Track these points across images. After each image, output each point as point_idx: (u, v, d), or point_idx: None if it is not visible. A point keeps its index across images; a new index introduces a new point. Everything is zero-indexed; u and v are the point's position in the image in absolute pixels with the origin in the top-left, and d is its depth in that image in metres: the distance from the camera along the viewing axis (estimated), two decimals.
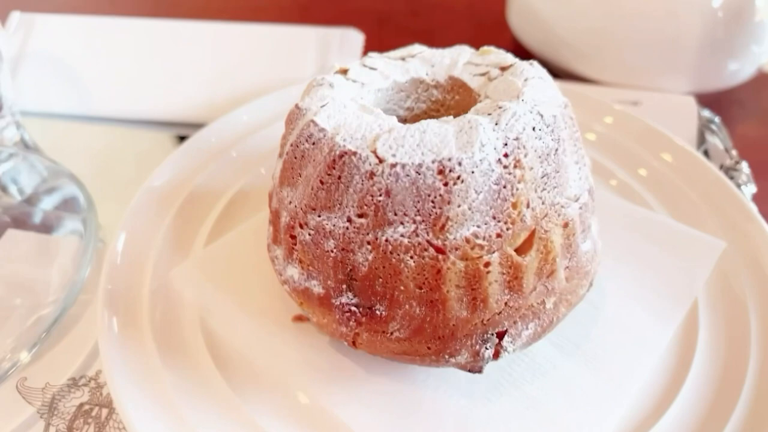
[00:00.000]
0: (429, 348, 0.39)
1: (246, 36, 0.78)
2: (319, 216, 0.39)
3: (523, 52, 0.81)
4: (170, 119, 0.73)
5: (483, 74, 0.45)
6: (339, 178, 0.38)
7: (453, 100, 0.47)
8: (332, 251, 0.39)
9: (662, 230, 0.53)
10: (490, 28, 0.88)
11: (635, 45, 0.72)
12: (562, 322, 0.45)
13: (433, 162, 0.36)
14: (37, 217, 0.60)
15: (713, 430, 0.41)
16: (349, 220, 0.38)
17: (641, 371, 0.45)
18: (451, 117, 0.39)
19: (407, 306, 0.38)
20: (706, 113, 0.69)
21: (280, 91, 0.63)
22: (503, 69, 0.44)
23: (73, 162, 0.66)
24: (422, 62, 0.48)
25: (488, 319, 0.39)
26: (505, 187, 0.37)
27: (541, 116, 0.38)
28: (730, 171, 0.61)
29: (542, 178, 0.38)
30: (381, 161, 0.36)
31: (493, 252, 0.37)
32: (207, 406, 0.42)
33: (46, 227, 0.59)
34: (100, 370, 0.48)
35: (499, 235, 0.37)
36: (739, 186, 0.59)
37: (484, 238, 0.37)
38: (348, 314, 0.40)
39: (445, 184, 0.36)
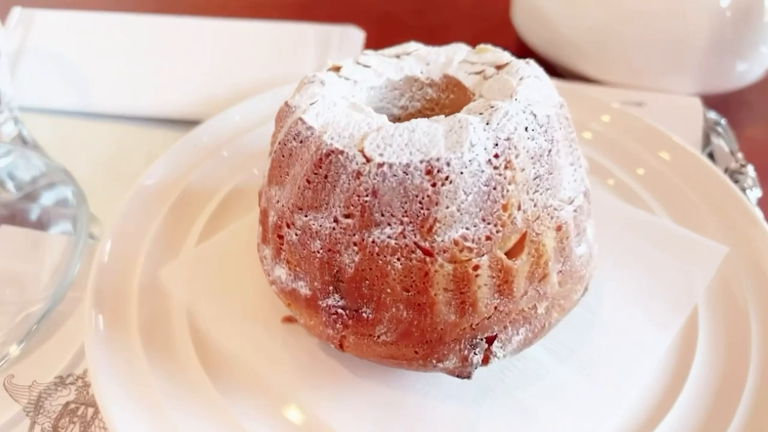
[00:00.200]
0: (416, 352, 0.39)
1: (246, 33, 0.78)
2: (306, 216, 0.38)
3: (527, 52, 0.79)
4: (169, 116, 0.72)
5: (478, 73, 0.44)
6: (326, 177, 0.37)
7: (448, 98, 0.46)
8: (318, 252, 0.38)
9: (662, 234, 0.52)
10: (494, 28, 0.87)
11: (641, 45, 0.70)
12: (556, 327, 0.44)
13: (421, 162, 0.35)
14: (32, 213, 0.60)
15: None
16: (336, 220, 0.37)
17: (637, 378, 0.44)
18: (443, 116, 0.38)
19: (394, 309, 0.38)
20: (713, 115, 0.67)
21: (274, 90, 0.62)
22: (499, 68, 0.43)
23: (70, 158, 0.66)
24: (417, 60, 0.47)
25: (477, 324, 0.38)
26: (495, 188, 0.36)
27: (535, 116, 0.37)
28: (735, 174, 0.59)
29: (534, 179, 0.37)
30: (368, 160, 0.35)
31: (483, 255, 0.36)
32: (192, 408, 0.41)
33: (40, 224, 0.59)
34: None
35: (488, 238, 0.36)
36: (744, 190, 0.57)
37: (473, 241, 0.36)
38: (334, 316, 0.39)
39: (433, 185, 0.35)
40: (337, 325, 0.39)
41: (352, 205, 0.36)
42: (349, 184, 0.36)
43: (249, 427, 0.41)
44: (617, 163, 0.59)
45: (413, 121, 0.37)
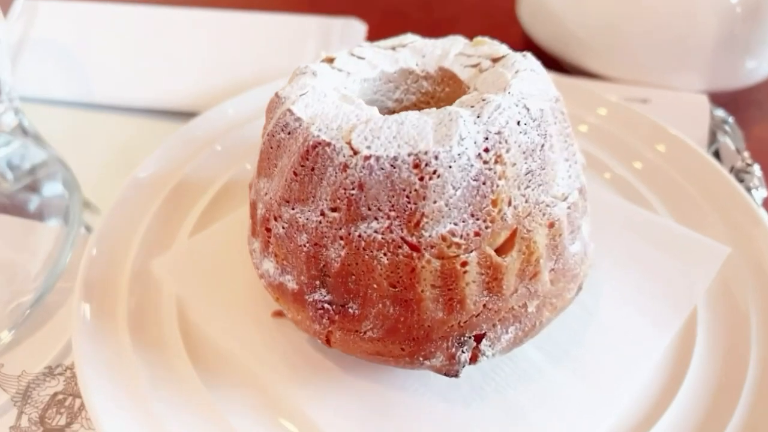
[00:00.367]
0: (403, 349, 0.38)
1: (248, 24, 0.77)
2: (293, 209, 0.38)
3: (533, 47, 0.78)
4: (169, 107, 0.72)
5: (474, 66, 0.43)
6: (312, 169, 0.36)
7: (443, 92, 0.45)
8: (305, 246, 0.37)
9: (663, 233, 0.51)
10: (500, 22, 0.86)
11: (648, 41, 0.69)
12: (551, 326, 0.43)
13: (409, 155, 0.34)
14: (27, 203, 0.59)
15: None
16: (322, 213, 0.36)
17: (633, 381, 0.42)
18: (435, 109, 0.37)
19: (380, 305, 0.37)
20: (720, 113, 0.66)
21: (270, 84, 0.62)
22: (495, 60, 0.42)
23: (71, 148, 0.66)
24: (413, 52, 0.46)
25: (465, 321, 0.37)
26: (484, 183, 0.35)
27: (528, 110, 0.36)
28: (741, 173, 0.58)
29: (526, 174, 0.36)
30: (355, 153, 0.35)
31: (471, 251, 0.35)
32: (176, 400, 0.41)
33: (38, 214, 0.59)
34: None
35: (477, 234, 0.35)
36: (749, 190, 0.56)
37: (461, 237, 0.35)
38: (321, 311, 0.39)
39: (421, 179, 0.34)
40: (324, 320, 0.39)
41: (339, 199, 0.35)
42: (335, 176, 0.35)
43: (234, 422, 0.40)
44: (615, 157, 0.58)
45: (403, 113, 0.36)
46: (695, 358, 0.43)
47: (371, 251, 0.36)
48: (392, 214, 0.35)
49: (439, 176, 0.34)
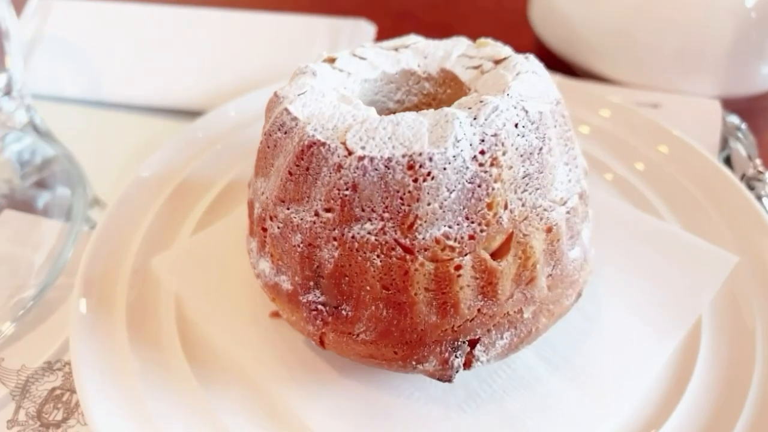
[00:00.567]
0: (396, 353, 0.37)
1: (257, 24, 0.77)
2: (288, 209, 0.37)
3: (544, 50, 0.77)
4: (179, 106, 0.72)
5: (476, 67, 0.43)
6: (307, 169, 0.36)
7: (445, 93, 0.45)
8: (299, 246, 0.37)
9: (669, 240, 0.50)
10: (511, 25, 0.85)
11: (660, 45, 0.68)
12: (551, 333, 0.42)
13: (403, 156, 0.34)
14: (36, 199, 0.60)
15: None
16: (317, 214, 0.36)
17: (632, 391, 0.42)
18: (432, 110, 0.37)
19: (373, 307, 0.36)
20: (733, 119, 0.64)
21: (275, 84, 0.61)
22: (497, 62, 0.42)
23: (82, 145, 0.67)
24: (415, 53, 0.46)
25: (459, 326, 0.36)
26: (480, 186, 0.34)
27: (526, 112, 0.36)
28: (752, 181, 0.56)
29: (524, 178, 0.36)
30: (350, 153, 0.34)
31: (465, 255, 0.35)
32: (170, 396, 0.41)
33: (43, 210, 0.59)
34: None
35: (472, 237, 0.35)
36: (760, 198, 0.55)
37: (455, 240, 0.35)
38: (315, 312, 0.38)
39: (415, 180, 0.34)
40: (317, 322, 0.39)
41: (333, 199, 0.35)
42: (330, 177, 0.35)
43: (226, 420, 0.40)
44: (617, 158, 0.57)
45: (399, 114, 0.36)
46: (697, 370, 0.42)
47: (364, 253, 0.35)
48: (386, 215, 0.34)
49: (433, 178, 0.33)
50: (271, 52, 0.74)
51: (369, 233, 0.35)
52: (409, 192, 0.34)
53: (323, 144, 0.35)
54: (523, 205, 0.36)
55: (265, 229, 0.40)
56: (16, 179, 0.65)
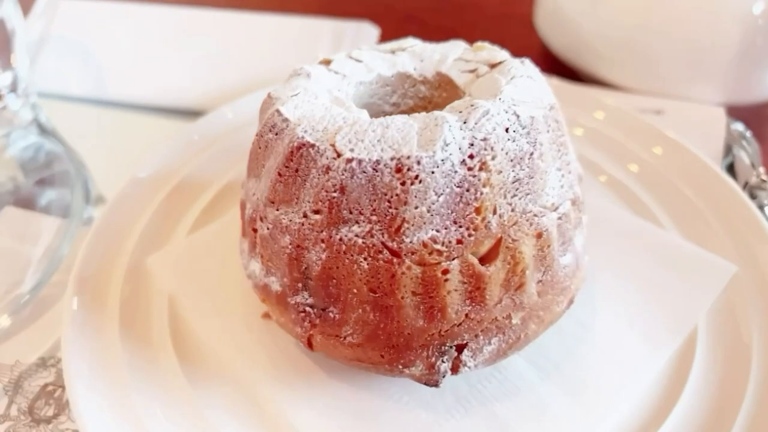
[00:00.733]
0: (382, 356, 0.37)
1: (262, 26, 0.78)
2: (278, 210, 0.37)
3: (550, 56, 0.77)
4: (182, 106, 0.73)
5: (471, 71, 0.42)
6: (296, 170, 0.36)
7: (441, 97, 0.45)
8: (288, 247, 0.37)
9: (667, 248, 0.49)
10: (517, 31, 0.84)
11: (666, 51, 0.67)
12: (544, 340, 0.42)
13: (391, 159, 0.34)
14: (39, 196, 0.61)
15: None
16: (305, 215, 0.36)
17: (623, 401, 0.41)
18: (423, 113, 0.36)
19: (360, 310, 0.36)
20: (738, 126, 0.64)
21: (273, 86, 0.62)
22: (492, 66, 0.42)
23: (86, 144, 0.67)
24: (411, 56, 0.45)
25: (446, 330, 0.36)
26: (468, 190, 0.34)
27: (518, 117, 0.36)
28: (754, 189, 0.56)
29: (513, 183, 0.35)
30: (339, 155, 0.34)
31: (453, 259, 0.35)
32: (159, 394, 0.41)
33: (46, 207, 0.60)
34: None
35: (459, 242, 0.35)
36: (762, 207, 0.54)
37: (443, 244, 0.34)
38: (303, 314, 0.38)
39: (403, 184, 0.33)
40: (305, 324, 0.38)
41: (321, 201, 0.35)
42: (318, 178, 0.35)
43: (213, 419, 0.40)
44: (613, 162, 0.57)
45: (390, 116, 0.36)
46: (690, 381, 0.42)
47: (352, 255, 0.35)
48: (373, 218, 0.34)
49: (421, 181, 0.33)
50: (275, 54, 0.75)
51: (356, 236, 0.35)
52: (397, 195, 0.34)
53: (312, 145, 0.35)
54: (512, 210, 0.35)
55: (255, 230, 0.40)
56: (21, 176, 0.66)
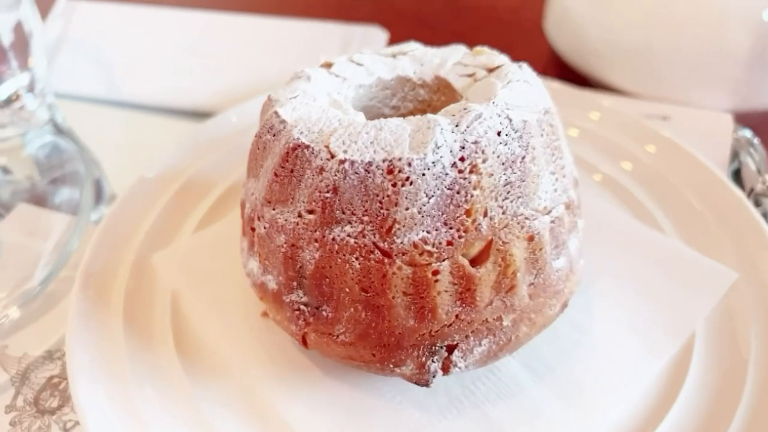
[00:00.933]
0: (374, 355, 0.38)
1: (272, 29, 0.79)
2: (274, 209, 0.38)
3: (559, 61, 0.77)
4: (193, 108, 0.74)
5: (470, 75, 0.43)
6: (292, 171, 0.37)
7: (439, 100, 0.45)
8: (283, 246, 0.38)
9: (666, 252, 0.49)
10: (526, 36, 0.85)
11: (675, 57, 0.67)
12: (539, 343, 0.42)
13: (383, 161, 0.34)
14: (53, 194, 0.62)
15: None
16: (300, 215, 0.37)
17: (617, 406, 0.41)
18: (418, 116, 0.37)
19: (352, 309, 0.37)
20: (746, 133, 0.63)
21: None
22: (490, 70, 0.42)
23: (101, 143, 0.69)
24: (412, 60, 0.46)
25: (437, 331, 0.37)
26: (458, 192, 0.34)
27: (510, 120, 0.36)
28: (759, 197, 0.55)
29: (505, 186, 0.36)
30: (333, 156, 0.35)
31: (444, 260, 0.35)
32: (158, 387, 0.42)
33: (59, 205, 0.61)
34: None
35: (450, 243, 0.35)
36: (766, 215, 0.53)
37: (433, 245, 0.35)
38: (297, 312, 0.39)
39: (394, 185, 0.34)
40: (300, 322, 0.39)
41: (314, 201, 0.36)
42: (312, 179, 0.36)
43: (208, 411, 0.41)
44: (608, 160, 0.58)
45: (384, 119, 0.36)
46: (686, 387, 0.41)
47: (344, 255, 0.36)
48: (365, 218, 0.35)
49: (411, 183, 0.34)
50: (285, 57, 0.76)
51: (349, 236, 0.35)
52: (388, 196, 0.34)
53: (307, 147, 0.36)
54: (503, 213, 0.36)
55: (253, 229, 0.41)
56: (36, 175, 0.68)
